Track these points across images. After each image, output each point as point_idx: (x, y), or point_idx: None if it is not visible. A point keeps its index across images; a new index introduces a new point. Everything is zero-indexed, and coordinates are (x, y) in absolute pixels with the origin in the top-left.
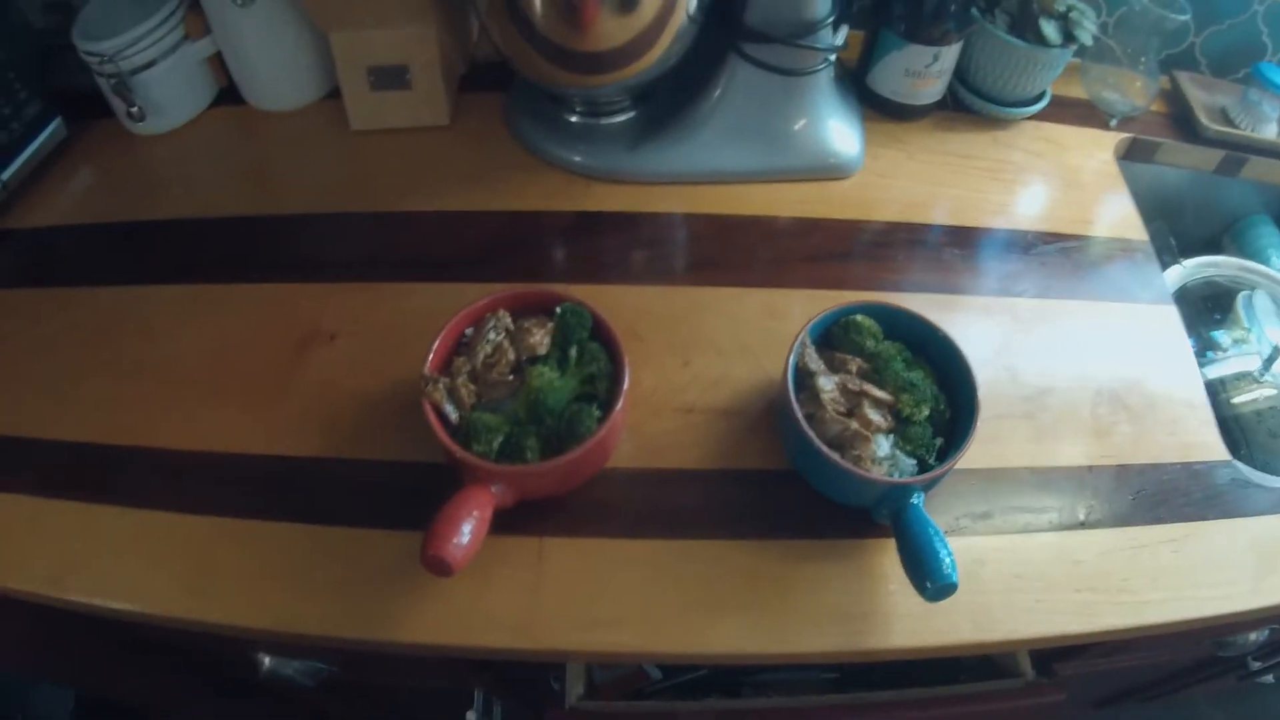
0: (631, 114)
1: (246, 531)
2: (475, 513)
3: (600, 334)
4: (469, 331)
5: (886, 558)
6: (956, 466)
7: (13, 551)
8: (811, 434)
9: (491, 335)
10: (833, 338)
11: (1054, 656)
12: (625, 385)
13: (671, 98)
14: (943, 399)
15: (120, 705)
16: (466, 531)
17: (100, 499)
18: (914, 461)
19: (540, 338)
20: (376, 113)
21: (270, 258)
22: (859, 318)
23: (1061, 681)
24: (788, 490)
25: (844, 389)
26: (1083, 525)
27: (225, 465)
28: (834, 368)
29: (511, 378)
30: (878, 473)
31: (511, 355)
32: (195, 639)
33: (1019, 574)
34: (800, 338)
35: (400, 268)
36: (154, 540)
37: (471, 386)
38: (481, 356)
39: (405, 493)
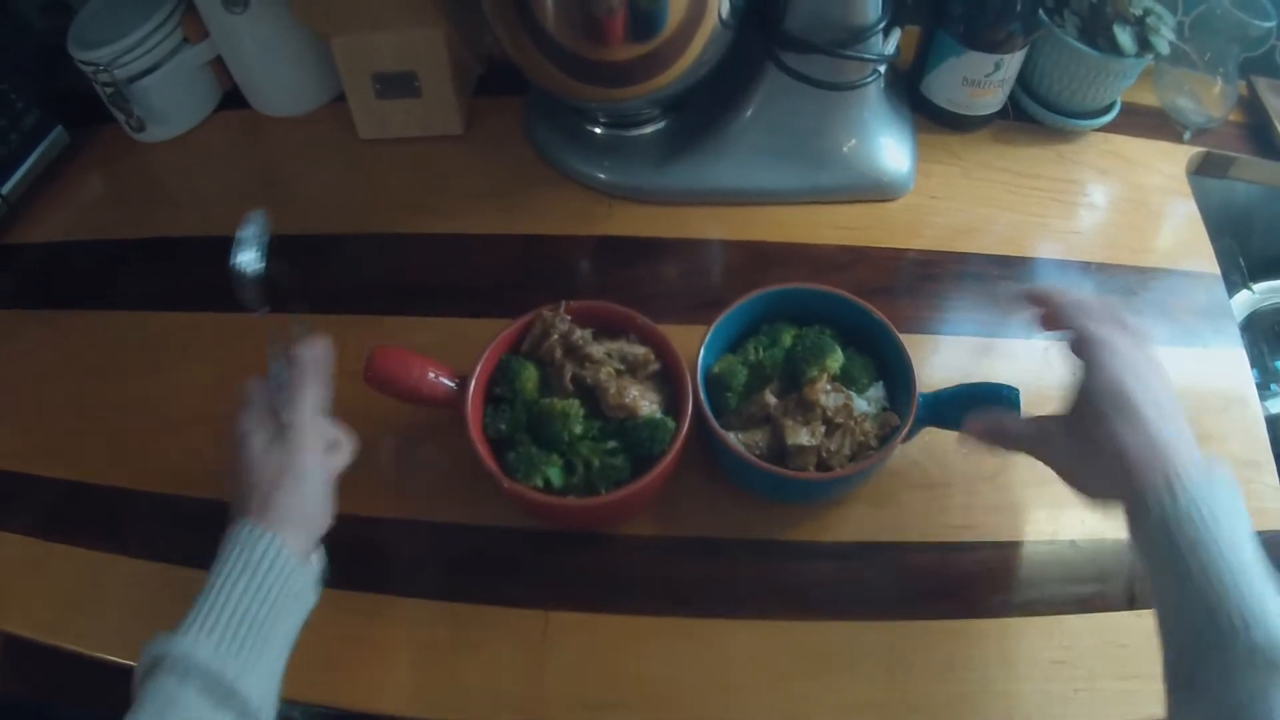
0: (661, 124)
1: None
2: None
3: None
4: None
5: (916, 641)
6: (994, 539)
7: (15, 595)
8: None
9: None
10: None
11: None
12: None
13: (706, 107)
14: (828, 331)
15: None
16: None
17: (98, 545)
18: (874, 389)
19: (637, 398)
20: (384, 122)
21: (275, 285)
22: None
23: None
24: (818, 564)
25: (796, 428)
26: (1132, 605)
27: (220, 514)
28: (751, 421)
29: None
30: (876, 427)
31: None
32: None
33: (1059, 660)
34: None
35: (406, 299)
36: (149, 591)
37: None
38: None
39: (407, 556)
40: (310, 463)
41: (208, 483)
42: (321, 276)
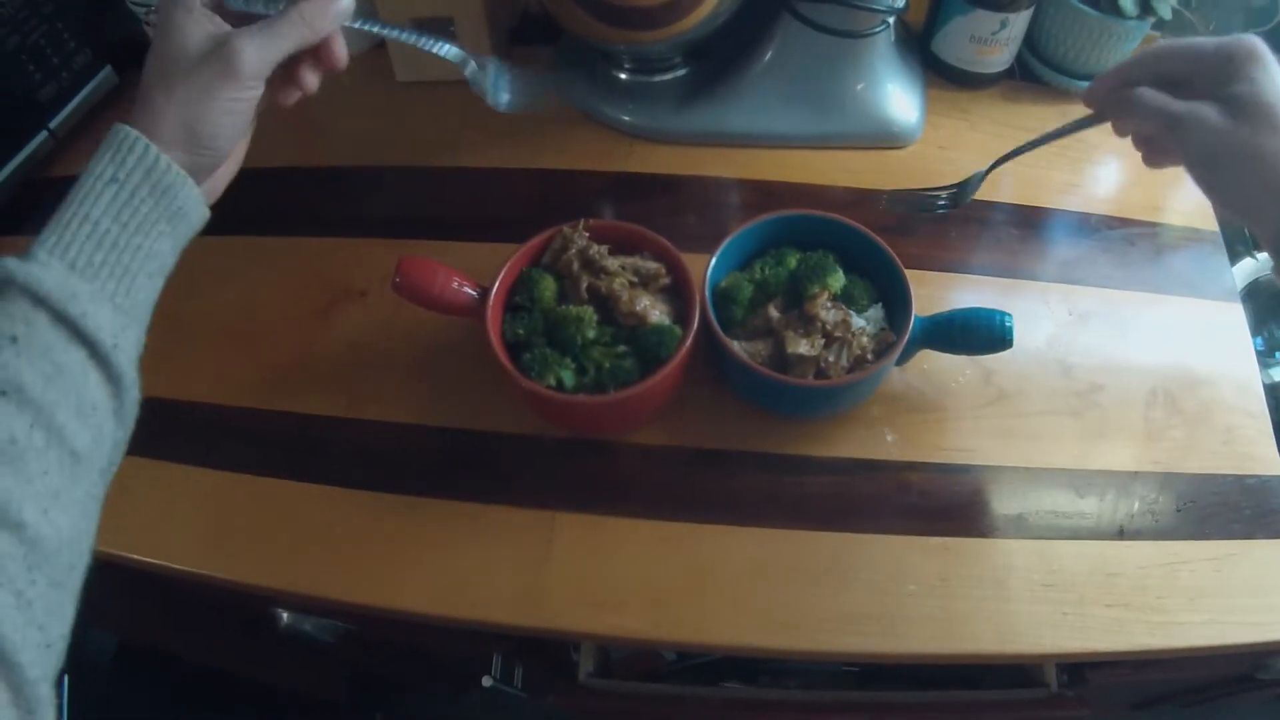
0: (682, 71)
1: (265, 489)
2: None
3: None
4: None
5: (910, 556)
6: (989, 463)
7: None
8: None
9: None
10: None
11: (1084, 664)
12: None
13: (725, 55)
14: (832, 255)
15: (159, 650)
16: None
17: (129, 451)
18: (873, 310)
19: (648, 306)
20: (421, 65)
21: (308, 211)
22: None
23: (1090, 690)
24: (816, 478)
25: (796, 338)
26: (1121, 536)
27: (252, 421)
28: (755, 333)
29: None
30: (874, 344)
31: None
32: (217, 592)
33: (1049, 584)
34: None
35: (435, 226)
36: (176, 494)
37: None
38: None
39: (424, 459)
40: (239, 69)
41: (234, 393)
42: (356, 205)
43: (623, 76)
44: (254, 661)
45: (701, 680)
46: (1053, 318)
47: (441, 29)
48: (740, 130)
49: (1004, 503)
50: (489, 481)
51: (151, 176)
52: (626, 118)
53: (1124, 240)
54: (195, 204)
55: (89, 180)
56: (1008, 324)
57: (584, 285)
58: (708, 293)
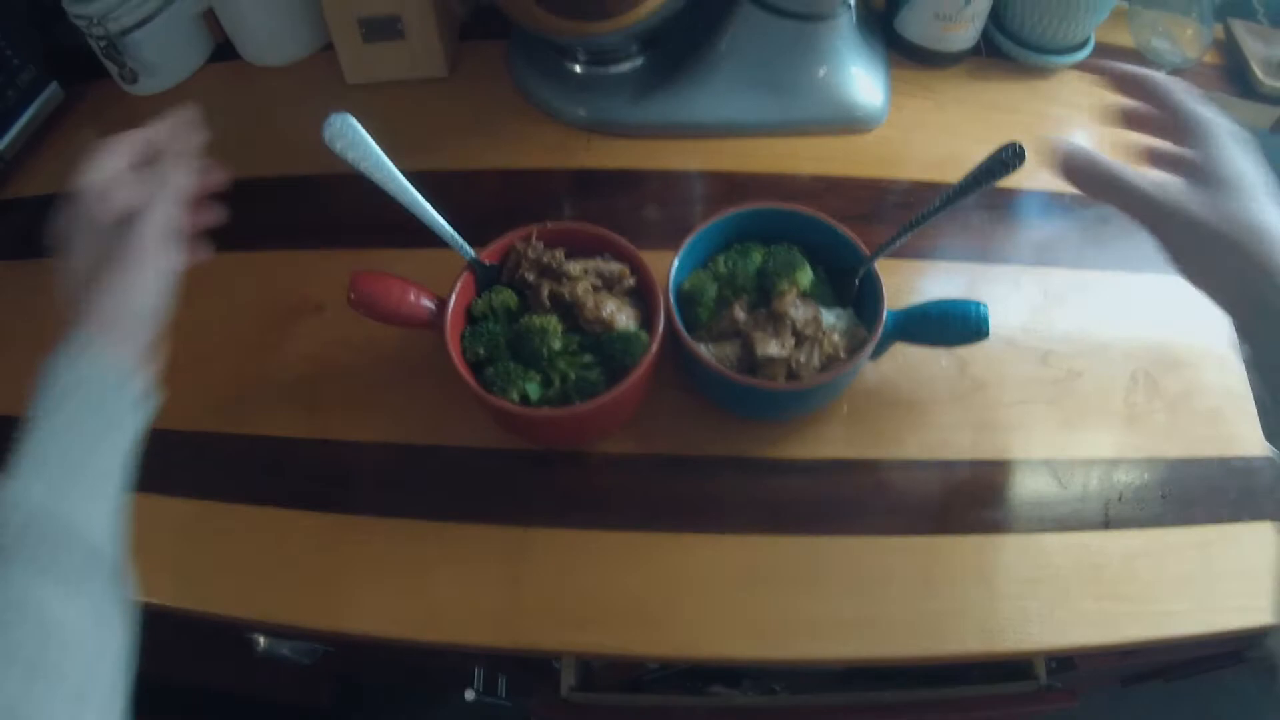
0: (639, 61)
1: (233, 517)
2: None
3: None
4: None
5: (891, 557)
6: (969, 458)
7: None
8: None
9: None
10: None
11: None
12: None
13: (682, 42)
14: (795, 248)
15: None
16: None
17: None
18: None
19: (614, 311)
20: (370, 65)
21: (259, 224)
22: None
23: (1079, 677)
24: (793, 481)
25: (765, 339)
26: (1107, 525)
27: (213, 445)
28: (722, 335)
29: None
30: (845, 340)
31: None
32: (190, 620)
33: (1034, 578)
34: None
35: (390, 233)
36: (144, 524)
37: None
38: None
39: (389, 477)
40: (144, 257)
41: (193, 417)
42: (309, 214)
43: (577, 69)
44: (234, 678)
45: (685, 685)
46: (1027, 302)
47: (390, 27)
48: (700, 120)
49: (985, 497)
50: (457, 498)
51: (94, 390)
52: (582, 111)
53: (1097, 219)
54: (129, 407)
55: (41, 404)
56: (983, 314)
57: (545, 293)
58: (671, 295)
